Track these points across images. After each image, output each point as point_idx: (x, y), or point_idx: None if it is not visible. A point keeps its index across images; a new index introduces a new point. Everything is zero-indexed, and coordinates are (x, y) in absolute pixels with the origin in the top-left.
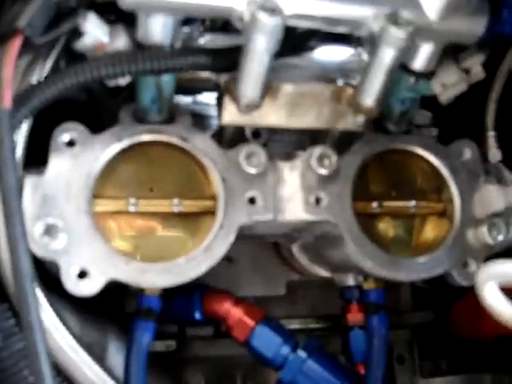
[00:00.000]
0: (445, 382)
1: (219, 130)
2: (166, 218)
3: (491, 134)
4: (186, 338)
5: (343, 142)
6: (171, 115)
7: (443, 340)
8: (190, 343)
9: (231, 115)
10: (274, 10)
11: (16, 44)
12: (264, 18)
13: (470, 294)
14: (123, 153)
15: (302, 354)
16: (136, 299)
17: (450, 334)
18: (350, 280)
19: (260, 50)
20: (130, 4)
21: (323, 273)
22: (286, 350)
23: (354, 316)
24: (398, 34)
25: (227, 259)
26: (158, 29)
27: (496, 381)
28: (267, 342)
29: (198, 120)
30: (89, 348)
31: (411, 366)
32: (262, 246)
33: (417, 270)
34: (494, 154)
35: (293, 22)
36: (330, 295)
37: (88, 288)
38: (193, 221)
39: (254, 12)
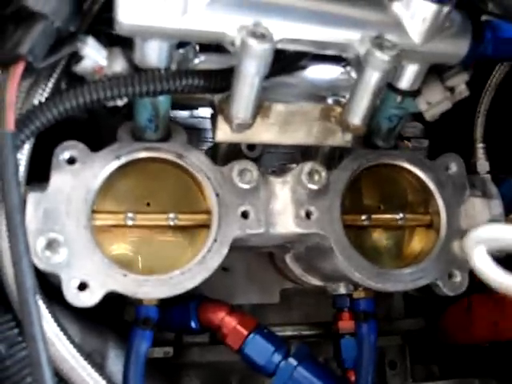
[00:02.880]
0: None
1: (214, 145)
2: (163, 231)
3: (480, 146)
4: (183, 344)
5: (333, 157)
6: (167, 133)
7: (435, 346)
8: (187, 350)
9: (224, 133)
10: (263, 36)
11: (18, 70)
12: (254, 43)
13: (460, 302)
14: (121, 169)
15: (292, 361)
16: (135, 307)
17: (441, 339)
18: (342, 289)
19: (251, 73)
20: (127, 30)
21: (316, 282)
22: (277, 357)
23: (345, 324)
24: (382, 57)
25: (223, 269)
26: (153, 53)
27: None
28: (260, 350)
29: (195, 133)
30: (89, 356)
31: (403, 371)
32: (256, 256)
33: (403, 280)
34: (483, 166)
35: (282, 46)
36: (323, 303)
37: (88, 299)
38: (188, 234)
39: (244, 38)
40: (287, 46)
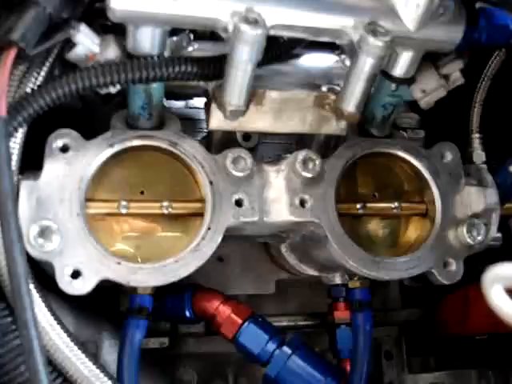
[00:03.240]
0: (432, 378)
1: (208, 134)
2: (157, 219)
3: (476, 136)
4: (179, 335)
5: (329, 146)
6: (161, 121)
7: (431, 337)
8: (183, 340)
9: (218, 121)
10: (256, 22)
11: (10, 56)
12: (246, 29)
13: (456, 293)
14: (115, 157)
15: (286, 349)
16: (129, 296)
17: (437, 330)
18: (337, 279)
19: (243, 59)
20: (119, 16)
21: (311, 272)
22: (271, 346)
23: (341, 314)
24: (376, 43)
25: (218, 259)
26: (146, 39)
27: (481, 375)
28: (254, 338)
29: (190, 123)
30: (83, 345)
31: (399, 362)
32: (252, 245)
33: (398, 269)
34: (479, 156)
35: (275, 32)
36: (318, 293)
37: (81, 287)
38: (182, 222)
39: (237, 23)
40: (280, 33)
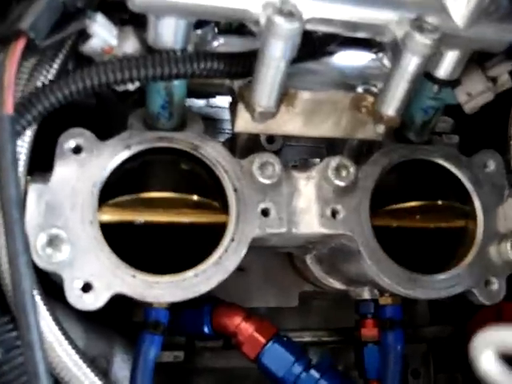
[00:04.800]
0: None
1: (232, 136)
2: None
3: None
4: (195, 348)
5: (361, 151)
6: (182, 121)
7: (459, 353)
8: (199, 354)
9: (245, 123)
10: (292, 14)
11: (19, 47)
12: (281, 22)
13: (489, 308)
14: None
15: (314, 373)
16: (144, 310)
17: (467, 348)
18: (366, 294)
19: (276, 56)
20: (140, 6)
21: (338, 285)
22: (298, 369)
23: (369, 331)
24: (423, 41)
25: (238, 269)
26: (169, 32)
27: None
28: (278, 360)
29: (211, 123)
30: (93, 361)
31: (426, 380)
32: (274, 255)
33: (436, 287)
34: None
35: (312, 27)
36: (344, 307)
37: (92, 302)
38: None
39: (270, 16)
40: (317, 27)
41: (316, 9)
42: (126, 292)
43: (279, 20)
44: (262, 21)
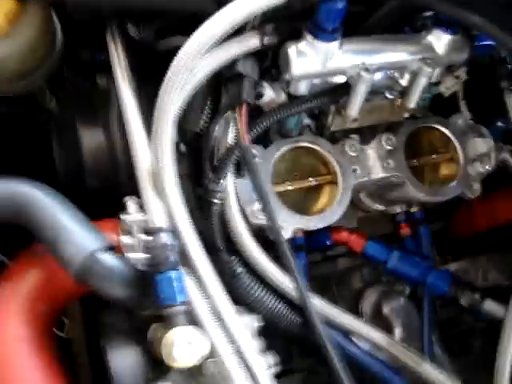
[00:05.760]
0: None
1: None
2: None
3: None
4: None
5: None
6: (300, 131)
7: (446, 241)
8: None
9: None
10: (367, 70)
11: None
12: (364, 74)
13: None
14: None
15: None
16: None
17: (450, 235)
18: (398, 208)
19: (361, 91)
20: (294, 77)
21: (380, 207)
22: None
23: (405, 230)
24: (429, 70)
25: None
26: (305, 86)
27: (489, 259)
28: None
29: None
30: None
31: None
32: None
33: (446, 193)
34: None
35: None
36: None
37: None
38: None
39: (359, 71)
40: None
41: (377, 62)
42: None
43: (364, 74)
44: (354, 75)
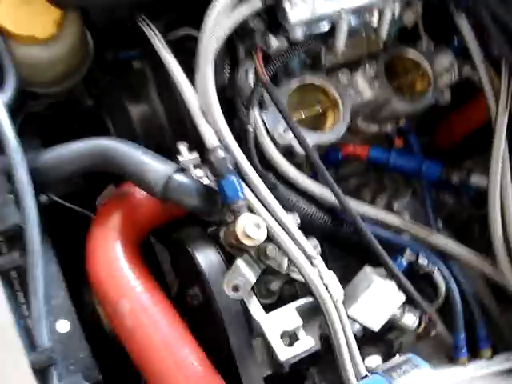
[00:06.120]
0: None
1: None
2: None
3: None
4: None
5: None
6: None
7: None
8: None
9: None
10: (346, 12)
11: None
12: (344, 15)
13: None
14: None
15: None
16: None
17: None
18: (389, 126)
19: (344, 28)
20: (293, 22)
21: (374, 128)
22: None
23: (398, 142)
24: (391, 6)
25: None
26: (301, 32)
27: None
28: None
29: None
30: None
31: None
32: None
33: (424, 102)
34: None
35: None
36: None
37: None
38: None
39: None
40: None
41: None
42: None
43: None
44: None
